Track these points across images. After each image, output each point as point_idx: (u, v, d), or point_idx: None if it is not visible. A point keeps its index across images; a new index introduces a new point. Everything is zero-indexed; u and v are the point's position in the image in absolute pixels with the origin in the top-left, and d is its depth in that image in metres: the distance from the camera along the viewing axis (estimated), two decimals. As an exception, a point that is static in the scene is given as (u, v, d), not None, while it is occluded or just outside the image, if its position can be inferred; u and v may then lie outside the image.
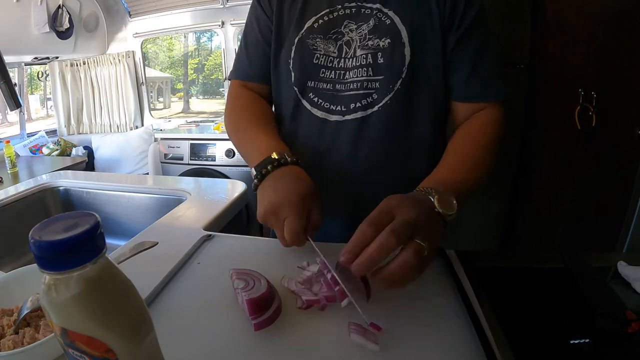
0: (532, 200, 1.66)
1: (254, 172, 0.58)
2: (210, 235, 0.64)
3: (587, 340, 0.42)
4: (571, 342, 0.42)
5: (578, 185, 1.53)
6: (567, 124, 1.47)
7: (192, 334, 0.42)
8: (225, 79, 0.82)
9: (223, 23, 2.71)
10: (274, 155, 0.57)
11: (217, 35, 2.92)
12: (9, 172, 2.10)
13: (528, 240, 1.69)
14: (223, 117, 0.77)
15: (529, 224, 1.69)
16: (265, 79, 0.74)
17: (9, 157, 2.12)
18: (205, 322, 0.43)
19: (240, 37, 2.76)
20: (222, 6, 2.65)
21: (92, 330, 0.24)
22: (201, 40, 3.40)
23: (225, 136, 2.34)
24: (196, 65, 3.47)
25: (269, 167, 0.56)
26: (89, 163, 2.77)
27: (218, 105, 3.31)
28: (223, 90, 2.95)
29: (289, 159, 0.57)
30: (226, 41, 2.77)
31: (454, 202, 0.48)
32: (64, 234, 0.23)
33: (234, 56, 3.02)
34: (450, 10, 0.62)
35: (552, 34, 1.45)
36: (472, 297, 0.46)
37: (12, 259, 0.99)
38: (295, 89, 0.68)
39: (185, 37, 3.31)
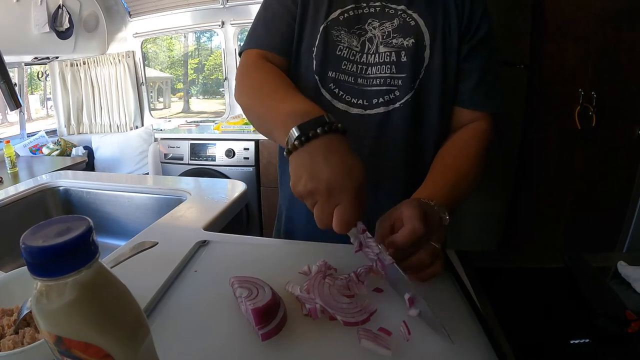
0: (532, 200, 1.66)
1: (294, 133, 0.46)
2: (205, 241, 0.63)
3: (587, 340, 0.42)
4: (571, 342, 0.42)
5: (578, 185, 1.53)
6: (567, 124, 1.47)
7: (194, 346, 0.40)
8: (239, 52, 0.72)
9: (223, 23, 2.71)
10: (327, 118, 0.47)
11: (217, 35, 2.92)
12: (9, 172, 2.10)
13: (528, 241, 1.69)
14: (233, 94, 0.67)
15: (529, 224, 1.69)
16: (286, 52, 0.69)
17: (9, 157, 2.12)
18: (207, 334, 0.42)
19: (240, 36, 2.76)
20: (222, 6, 2.65)
21: (89, 337, 0.24)
22: (201, 40, 3.40)
23: (225, 136, 2.35)
24: (196, 65, 3.46)
25: (318, 130, 0.45)
26: (89, 163, 2.77)
27: (218, 105, 3.31)
28: (223, 90, 2.95)
29: (340, 126, 0.47)
30: (226, 41, 2.77)
31: (447, 217, 0.52)
32: (57, 238, 0.23)
33: (234, 56, 2.98)
34: (467, 21, 0.65)
35: (552, 34, 1.45)
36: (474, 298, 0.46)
37: (12, 259, 0.99)
38: (316, 77, 0.68)
39: (185, 37, 3.31)
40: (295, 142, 0.46)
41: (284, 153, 0.48)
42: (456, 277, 0.50)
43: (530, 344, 0.41)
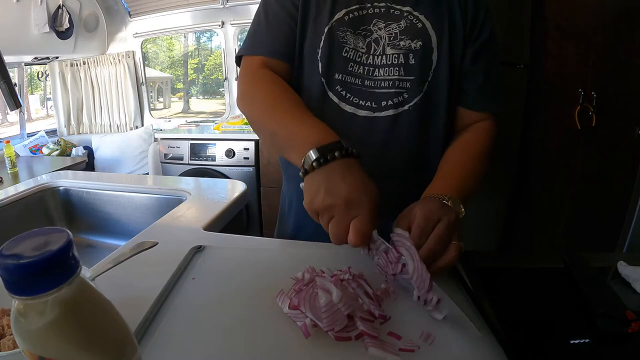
0: (532, 200, 1.66)
1: (312, 155, 0.49)
2: (200, 246, 0.61)
3: (587, 340, 0.42)
4: (571, 342, 0.42)
5: (578, 185, 1.53)
6: (567, 124, 1.47)
7: (194, 356, 0.38)
8: (237, 56, 0.72)
9: (223, 23, 2.71)
10: (343, 143, 0.51)
11: (217, 35, 2.92)
12: (9, 172, 2.10)
13: (528, 241, 1.69)
14: (236, 99, 0.67)
15: (529, 224, 1.69)
16: (288, 57, 0.68)
17: (9, 157, 2.12)
18: (207, 342, 0.40)
19: (240, 36, 2.75)
20: (222, 6, 2.65)
21: (73, 357, 0.23)
22: (201, 40, 3.40)
23: (225, 136, 2.35)
24: (196, 65, 3.47)
25: (336, 153, 0.49)
26: (89, 163, 2.77)
27: (218, 105, 3.31)
28: (223, 90, 2.94)
29: (354, 151, 0.51)
30: (226, 41, 2.77)
31: (462, 209, 0.53)
32: (34, 253, 0.21)
33: (234, 56, 3.00)
34: (471, 23, 0.66)
35: (552, 34, 1.45)
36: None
37: (12, 259, 0.99)
38: (323, 80, 0.67)
39: (185, 37, 3.31)
40: (314, 164, 0.49)
41: (300, 173, 0.51)
42: (457, 276, 0.50)
43: (531, 344, 0.41)
